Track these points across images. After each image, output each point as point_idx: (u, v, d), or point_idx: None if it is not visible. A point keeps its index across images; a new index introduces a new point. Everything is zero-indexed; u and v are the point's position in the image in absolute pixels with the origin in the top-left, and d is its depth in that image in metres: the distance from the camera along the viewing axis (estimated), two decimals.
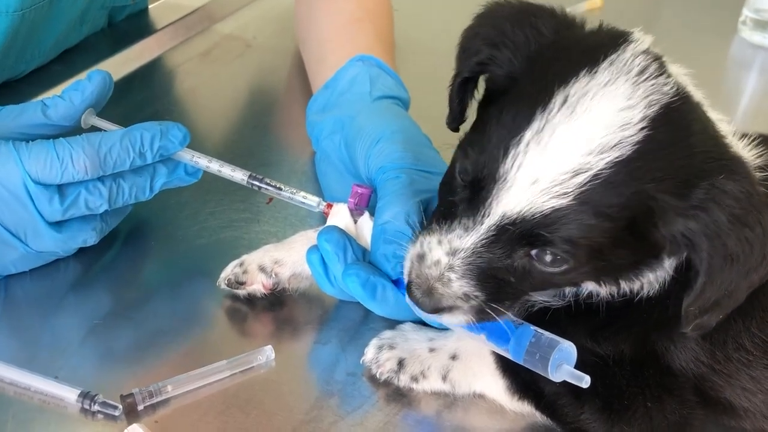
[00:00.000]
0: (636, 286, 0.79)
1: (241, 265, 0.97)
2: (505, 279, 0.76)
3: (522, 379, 0.86)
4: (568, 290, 0.82)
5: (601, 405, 0.82)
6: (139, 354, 0.91)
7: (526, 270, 0.75)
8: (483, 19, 0.82)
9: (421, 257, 0.78)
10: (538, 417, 0.87)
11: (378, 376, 0.89)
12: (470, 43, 0.82)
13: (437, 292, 0.77)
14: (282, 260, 0.97)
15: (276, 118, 1.35)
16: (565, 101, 0.71)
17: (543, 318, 0.83)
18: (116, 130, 0.97)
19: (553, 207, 0.70)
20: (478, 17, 0.83)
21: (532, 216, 0.71)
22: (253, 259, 0.98)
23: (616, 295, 0.80)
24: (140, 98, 1.32)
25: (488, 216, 0.73)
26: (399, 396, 0.89)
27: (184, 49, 1.46)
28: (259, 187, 1.01)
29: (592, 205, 0.70)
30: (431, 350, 0.90)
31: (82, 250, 1.00)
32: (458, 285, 0.76)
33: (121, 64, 1.38)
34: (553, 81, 0.72)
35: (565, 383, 0.79)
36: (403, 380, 0.89)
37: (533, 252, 0.74)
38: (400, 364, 0.89)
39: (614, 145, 0.70)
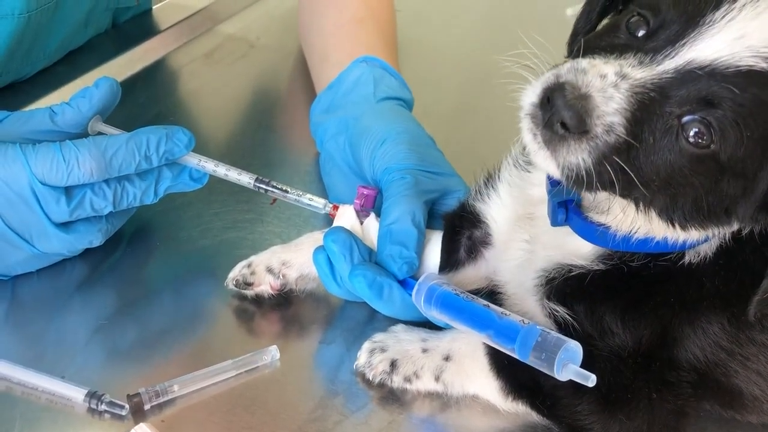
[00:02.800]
0: (693, 236, 0.78)
1: (248, 266, 0.98)
2: (642, 136, 0.72)
3: (516, 380, 0.87)
4: (619, 236, 0.80)
5: (600, 398, 0.82)
6: (146, 354, 0.91)
7: (667, 139, 0.72)
8: None
9: (579, 70, 0.72)
10: (535, 416, 0.87)
11: (371, 379, 0.89)
12: None
13: (593, 101, 0.70)
14: (289, 261, 0.97)
15: (280, 119, 1.35)
16: None
17: (580, 287, 0.83)
18: (122, 134, 0.97)
19: (750, 66, 0.70)
20: None
21: (726, 68, 0.70)
22: (260, 260, 0.98)
23: (667, 246, 0.80)
24: (144, 99, 1.32)
25: (672, 57, 0.71)
26: (404, 395, 0.89)
27: (187, 50, 1.47)
28: (266, 190, 1.01)
29: None
30: (424, 351, 0.90)
31: (87, 251, 1.01)
32: (616, 107, 0.70)
33: (125, 65, 1.38)
34: None
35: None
36: (396, 381, 0.89)
37: (689, 117, 0.71)
38: (393, 365, 0.89)
39: None
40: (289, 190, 1.01)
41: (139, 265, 1.03)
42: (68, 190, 0.93)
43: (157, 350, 0.92)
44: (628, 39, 0.75)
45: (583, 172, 0.72)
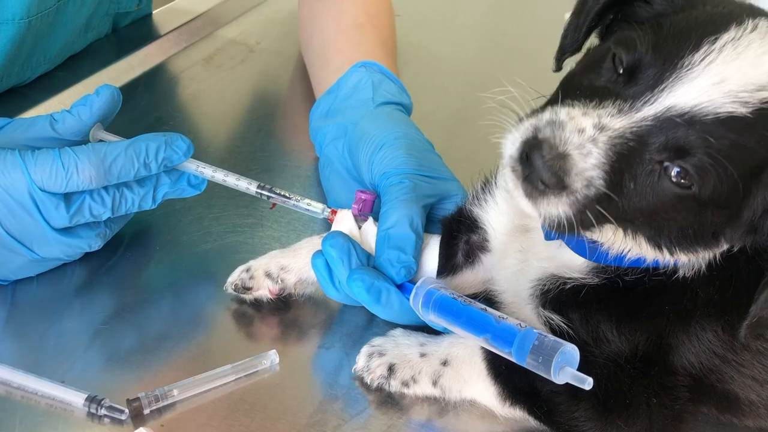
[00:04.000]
0: (682, 259, 0.79)
1: (247, 270, 0.98)
2: (622, 183, 0.72)
3: (514, 385, 0.87)
4: (611, 255, 0.81)
5: (597, 404, 0.83)
6: (145, 358, 0.92)
7: (649, 181, 0.72)
8: None
9: (556, 124, 0.72)
10: (532, 422, 0.88)
11: (369, 383, 0.89)
12: None
13: (571, 160, 0.70)
14: (288, 266, 0.98)
15: (279, 123, 1.35)
16: (756, 26, 0.72)
17: (575, 298, 0.83)
18: (121, 141, 0.97)
19: (730, 113, 0.69)
20: None
21: (704, 115, 0.69)
22: (259, 264, 0.98)
23: (660, 265, 0.80)
24: (144, 104, 1.33)
25: (651, 104, 0.71)
26: (402, 399, 0.89)
27: (187, 55, 1.47)
28: (268, 197, 1.02)
29: (763, 125, 0.70)
30: (422, 355, 0.90)
31: (87, 255, 1.01)
32: (594, 162, 0.70)
33: (125, 70, 1.38)
34: (740, 10, 0.74)
35: (564, 384, 0.80)
36: (394, 386, 0.89)
37: (668, 163, 0.71)
38: (391, 369, 0.89)
39: None
40: (288, 195, 1.01)
41: (139, 269, 1.04)
42: (67, 197, 0.94)
43: (156, 354, 0.92)
44: (608, 80, 0.75)
45: (564, 222, 0.73)
